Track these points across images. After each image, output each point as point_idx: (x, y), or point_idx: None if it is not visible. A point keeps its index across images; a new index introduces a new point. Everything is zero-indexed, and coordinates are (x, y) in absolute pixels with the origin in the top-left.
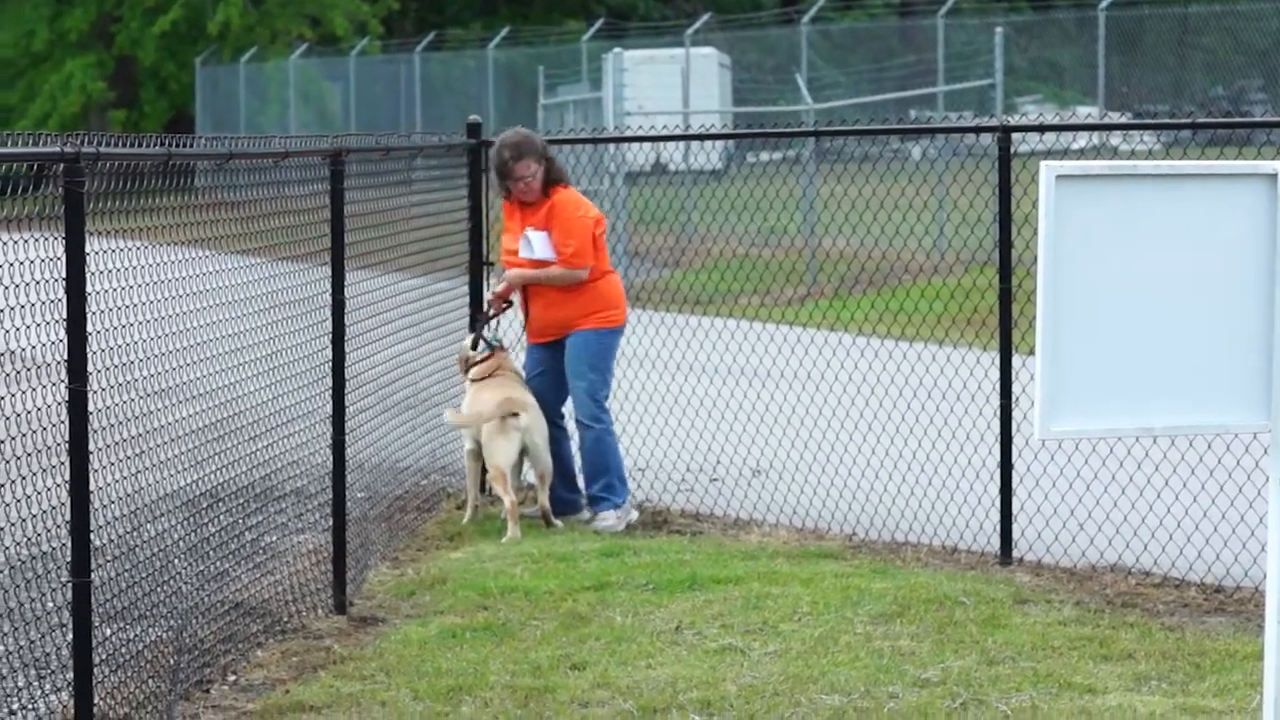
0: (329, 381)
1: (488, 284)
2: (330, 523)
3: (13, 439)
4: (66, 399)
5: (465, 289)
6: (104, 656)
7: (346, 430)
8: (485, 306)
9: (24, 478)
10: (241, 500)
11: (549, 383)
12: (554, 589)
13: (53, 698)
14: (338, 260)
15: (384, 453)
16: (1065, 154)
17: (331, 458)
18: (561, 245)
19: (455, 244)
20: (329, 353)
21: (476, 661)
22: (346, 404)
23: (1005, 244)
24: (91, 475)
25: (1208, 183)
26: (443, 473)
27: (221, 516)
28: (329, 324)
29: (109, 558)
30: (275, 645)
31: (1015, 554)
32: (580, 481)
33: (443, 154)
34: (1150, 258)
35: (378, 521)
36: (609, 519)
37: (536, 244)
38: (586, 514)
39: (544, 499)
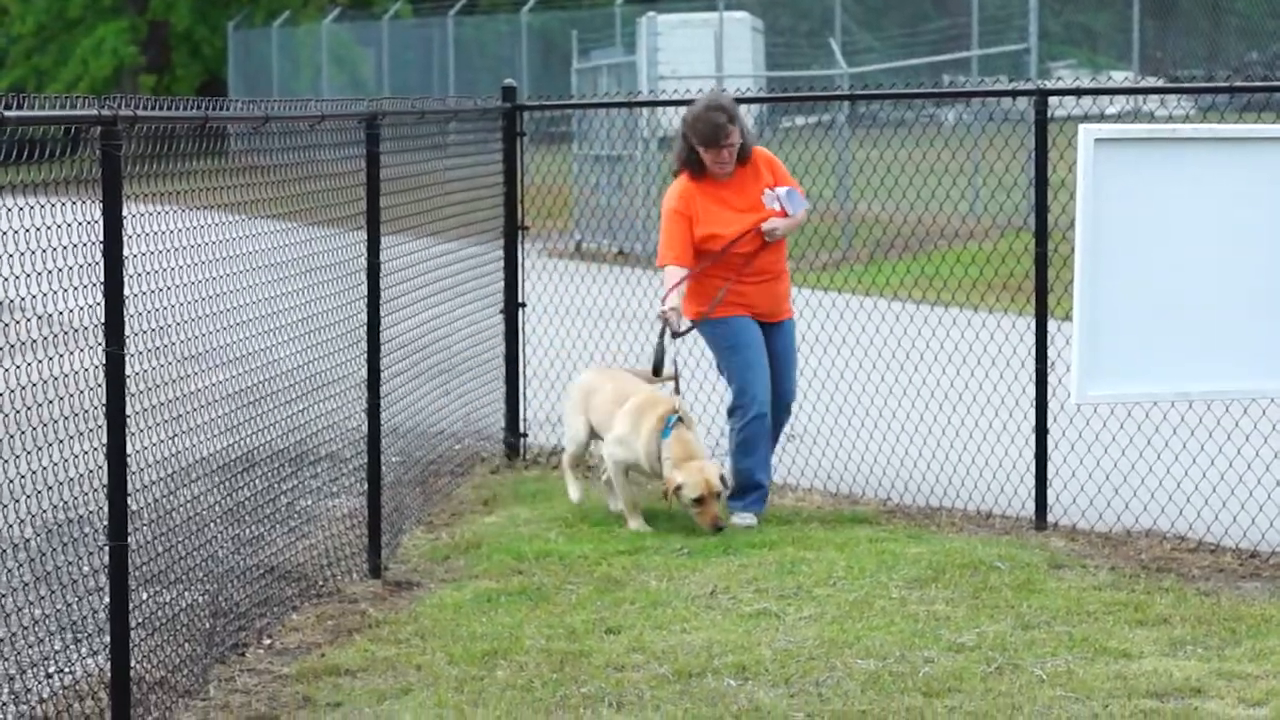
0: (364, 346)
1: (522, 249)
2: (365, 487)
3: (50, 402)
4: (104, 362)
5: (500, 253)
6: (140, 620)
7: (381, 395)
8: (672, 322)
9: (61, 441)
10: (277, 464)
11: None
12: (588, 553)
13: (89, 661)
14: (373, 224)
15: (418, 417)
16: (1100, 119)
17: (366, 422)
18: (802, 194)
19: (490, 209)
20: (364, 317)
21: (511, 625)
22: (381, 368)
23: (1041, 208)
24: (128, 439)
25: (1247, 146)
26: (476, 437)
27: (257, 481)
28: (364, 288)
29: (145, 521)
30: (310, 609)
31: (1050, 519)
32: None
33: (477, 118)
34: (1188, 222)
35: (412, 486)
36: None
37: (795, 199)
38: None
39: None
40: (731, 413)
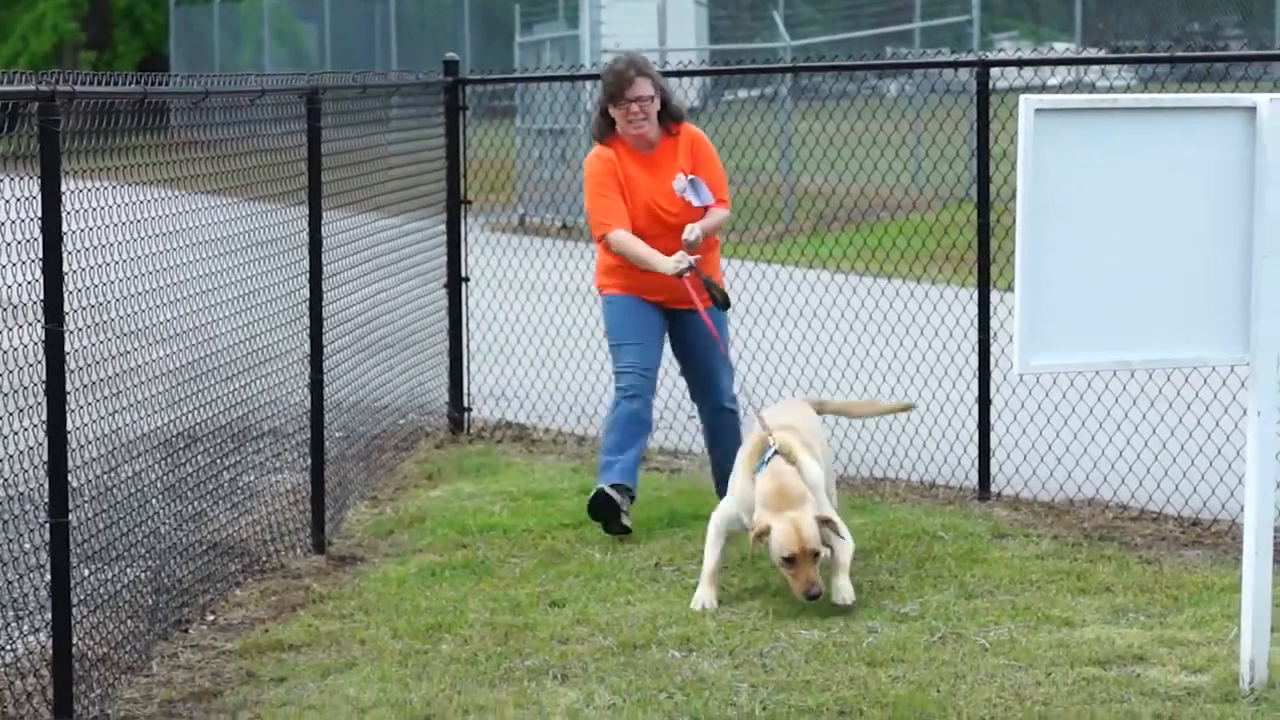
0: (306, 321)
1: (465, 223)
2: (308, 462)
3: None
4: (43, 339)
5: (443, 228)
6: (82, 597)
7: (324, 370)
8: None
9: (0, 418)
10: (219, 440)
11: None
12: (533, 527)
13: (31, 638)
14: (315, 199)
15: (362, 392)
16: (1042, 90)
17: (309, 397)
18: (721, 185)
19: (432, 183)
20: (306, 292)
21: (455, 599)
22: (324, 343)
23: (983, 179)
24: (68, 415)
25: (1186, 116)
26: (420, 412)
27: (199, 456)
28: (306, 263)
29: (86, 498)
30: (254, 585)
31: (993, 489)
32: (718, 460)
33: (419, 92)
34: (1128, 191)
35: (356, 461)
36: None
37: (701, 187)
38: None
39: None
40: (616, 394)
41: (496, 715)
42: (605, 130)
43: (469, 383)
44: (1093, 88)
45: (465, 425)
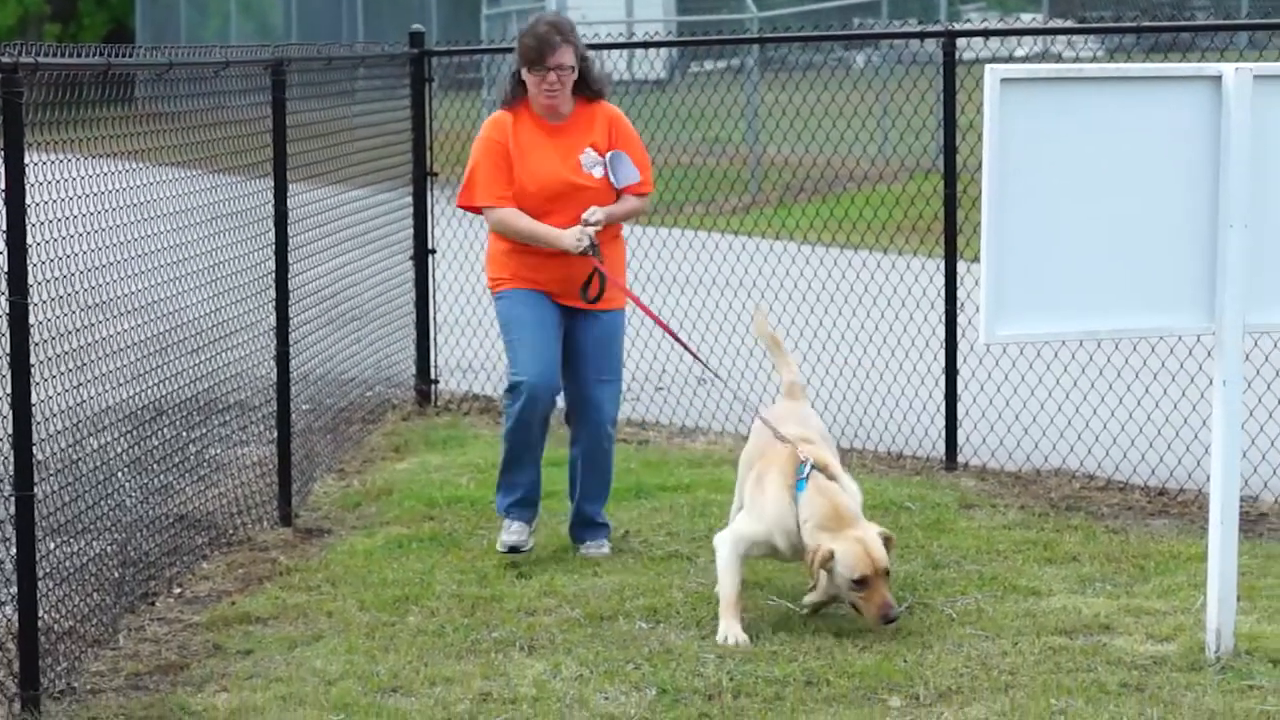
0: (272, 294)
1: (431, 195)
2: (275, 435)
3: None
4: (7, 312)
5: (409, 200)
6: (48, 570)
7: (290, 342)
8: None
9: None
10: (185, 413)
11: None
12: None
13: None
14: (280, 172)
15: (328, 365)
16: (1009, 61)
17: (275, 370)
18: (644, 166)
19: (398, 155)
20: (272, 265)
21: (423, 571)
22: (290, 316)
23: (950, 150)
24: (33, 388)
25: (1152, 86)
26: (387, 384)
27: (165, 430)
28: (272, 236)
29: (52, 471)
30: (221, 558)
31: (960, 459)
32: (577, 501)
33: (385, 64)
34: (1094, 161)
35: (322, 433)
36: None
37: (625, 165)
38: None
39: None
40: (504, 397)
41: (463, 687)
42: (516, 94)
43: (436, 355)
44: (1059, 58)
45: (432, 398)
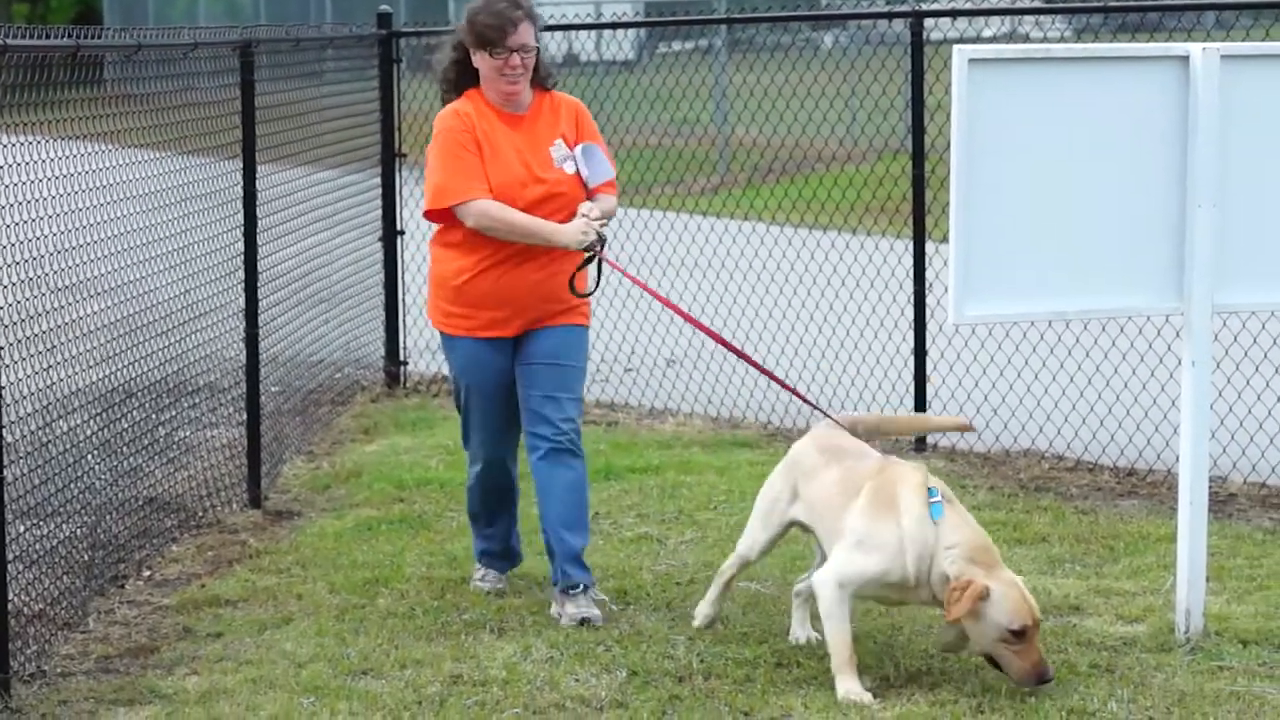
0: (241, 275)
1: (400, 176)
2: (244, 417)
3: None
4: None
5: (378, 181)
6: (18, 553)
7: (259, 324)
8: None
9: None
10: (154, 395)
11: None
12: None
13: None
14: (249, 153)
15: (297, 346)
16: (976, 41)
17: (245, 352)
18: (611, 163)
19: (367, 136)
20: (241, 246)
21: (393, 554)
22: (259, 298)
23: (918, 130)
24: (2, 371)
25: (1120, 66)
26: (356, 366)
27: (134, 412)
28: (241, 217)
29: (21, 454)
30: (190, 540)
31: (929, 440)
32: (543, 540)
33: (353, 45)
34: (1063, 142)
35: (292, 415)
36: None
37: (598, 158)
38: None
39: None
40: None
41: (434, 669)
42: (462, 84)
43: (405, 337)
44: (1027, 38)
45: (401, 379)
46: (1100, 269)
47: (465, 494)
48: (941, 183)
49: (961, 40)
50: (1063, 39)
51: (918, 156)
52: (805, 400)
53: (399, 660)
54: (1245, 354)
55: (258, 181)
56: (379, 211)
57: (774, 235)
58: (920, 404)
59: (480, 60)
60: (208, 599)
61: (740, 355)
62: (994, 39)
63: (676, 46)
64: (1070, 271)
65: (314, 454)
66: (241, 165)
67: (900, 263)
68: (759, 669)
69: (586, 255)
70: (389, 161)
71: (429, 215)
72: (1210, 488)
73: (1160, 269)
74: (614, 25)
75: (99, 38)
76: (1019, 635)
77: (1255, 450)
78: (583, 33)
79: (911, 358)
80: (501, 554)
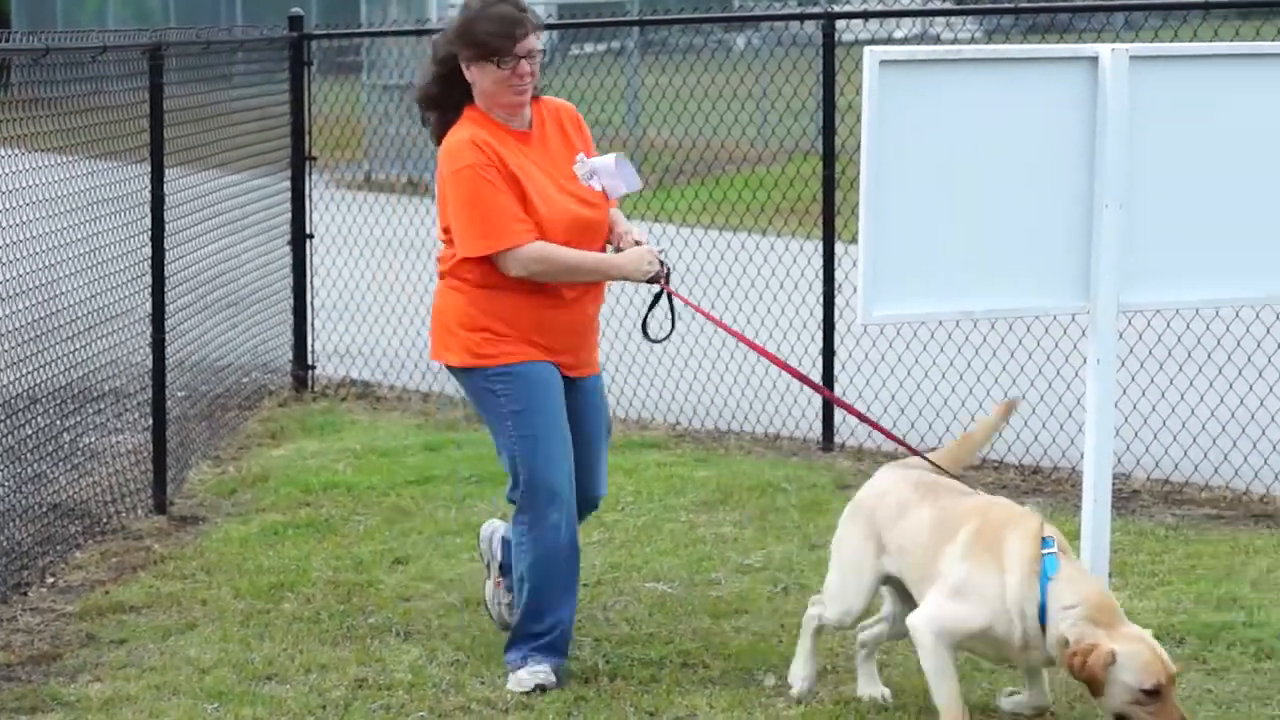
0: (148, 279)
1: (309, 180)
2: (150, 422)
3: None
4: None
5: (287, 185)
6: None
7: (166, 329)
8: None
9: None
10: (59, 401)
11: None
12: (376, 484)
13: None
14: (157, 157)
15: (205, 351)
16: (888, 42)
17: (151, 356)
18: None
19: (277, 140)
20: (148, 250)
21: (299, 558)
22: (166, 302)
23: (829, 132)
24: None
25: (1029, 67)
26: (263, 370)
27: (39, 417)
28: (148, 221)
29: None
30: (94, 546)
31: (837, 440)
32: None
33: (264, 48)
34: (972, 143)
35: (198, 420)
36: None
37: (629, 170)
38: None
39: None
40: (519, 510)
41: (339, 673)
42: (450, 101)
43: (313, 340)
44: (938, 40)
45: (309, 383)
46: (1008, 269)
47: (531, 570)
48: (851, 184)
49: (873, 42)
50: (973, 40)
51: (828, 157)
52: (894, 438)
53: (304, 665)
54: (1150, 352)
55: (166, 185)
56: (288, 215)
57: (685, 236)
58: (828, 404)
59: (480, 73)
60: (112, 605)
61: (841, 404)
62: (905, 40)
63: (589, 48)
64: (978, 272)
65: (220, 459)
66: (150, 169)
67: (810, 263)
68: (665, 669)
69: (655, 291)
70: (299, 165)
71: (467, 260)
72: (1114, 485)
73: (1067, 269)
74: None
75: (6, 41)
76: (1153, 695)
77: (1158, 447)
78: None
79: (820, 358)
80: (564, 641)
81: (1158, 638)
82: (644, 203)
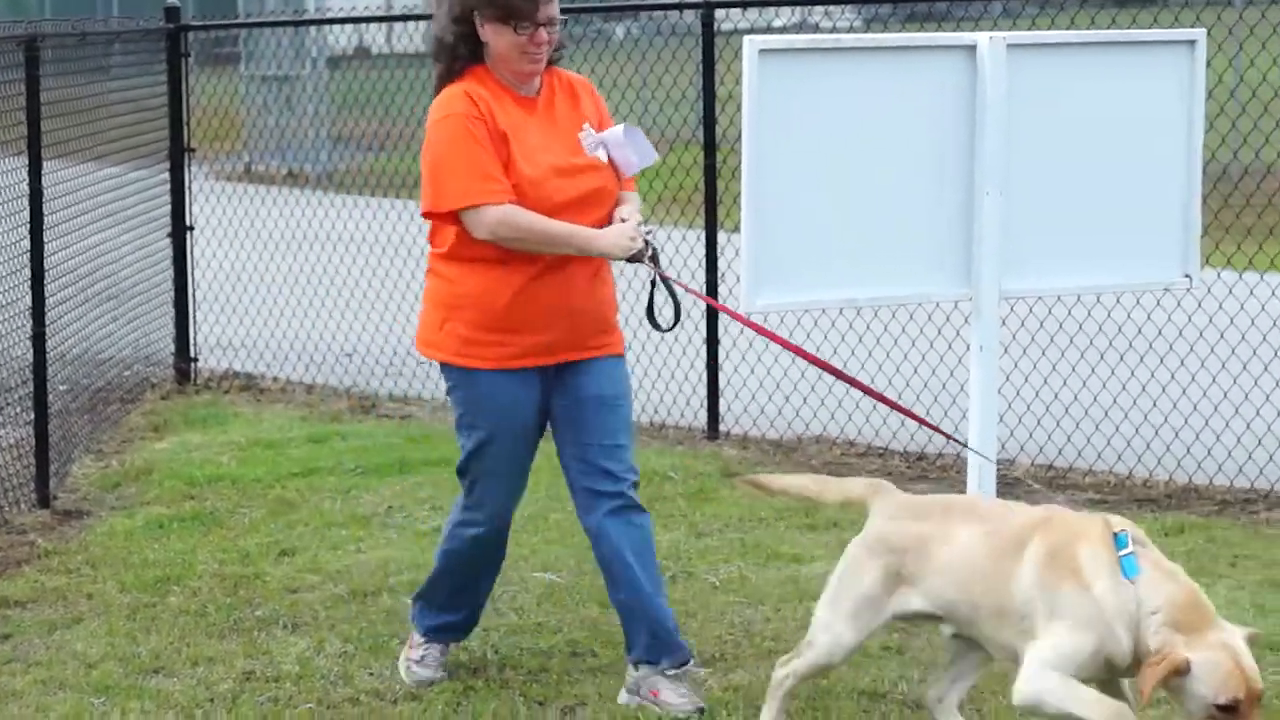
0: (27, 273)
1: (189, 172)
2: (31, 416)
3: None
4: None
5: (166, 177)
6: None
7: (46, 322)
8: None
9: None
10: None
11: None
12: (262, 476)
13: None
14: (34, 149)
15: (86, 344)
16: (767, 32)
17: (31, 350)
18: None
19: (156, 132)
20: (27, 244)
21: (184, 551)
22: (46, 295)
23: (709, 121)
24: None
25: (909, 55)
26: (146, 363)
27: None
28: (26, 214)
29: None
30: None
31: (722, 428)
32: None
33: (141, 39)
34: (853, 131)
35: (80, 414)
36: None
37: (642, 142)
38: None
39: None
40: (462, 494)
41: (226, 666)
42: (465, 61)
43: (195, 333)
44: (817, 28)
45: (192, 376)
46: (891, 257)
47: (442, 559)
48: (733, 173)
49: (752, 31)
50: (852, 29)
51: (709, 147)
52: (955, 440)
53: (191, 658)
54: (1032, 338)
55: (44, 178)
56: (168, 207)
57: None
58: (713, 392)
59: (495, 34)
60: None
61: (898, 407)
62: (784, 29)
63: None
64: (861, 259)
65: (103, 452)
66: (27, 162)
67: (693, 252)
68: (554, 659)
69: (652, 279)
70: (178, 157)
71: (428, 216)
72: (998, 470)
73: (949, 256)
74: (406, 18)
75: None
76: (1229, 710)
77: (1041, 433)
78: (374, 25)
79: (704, 347)
80: (465, 625)
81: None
82: None
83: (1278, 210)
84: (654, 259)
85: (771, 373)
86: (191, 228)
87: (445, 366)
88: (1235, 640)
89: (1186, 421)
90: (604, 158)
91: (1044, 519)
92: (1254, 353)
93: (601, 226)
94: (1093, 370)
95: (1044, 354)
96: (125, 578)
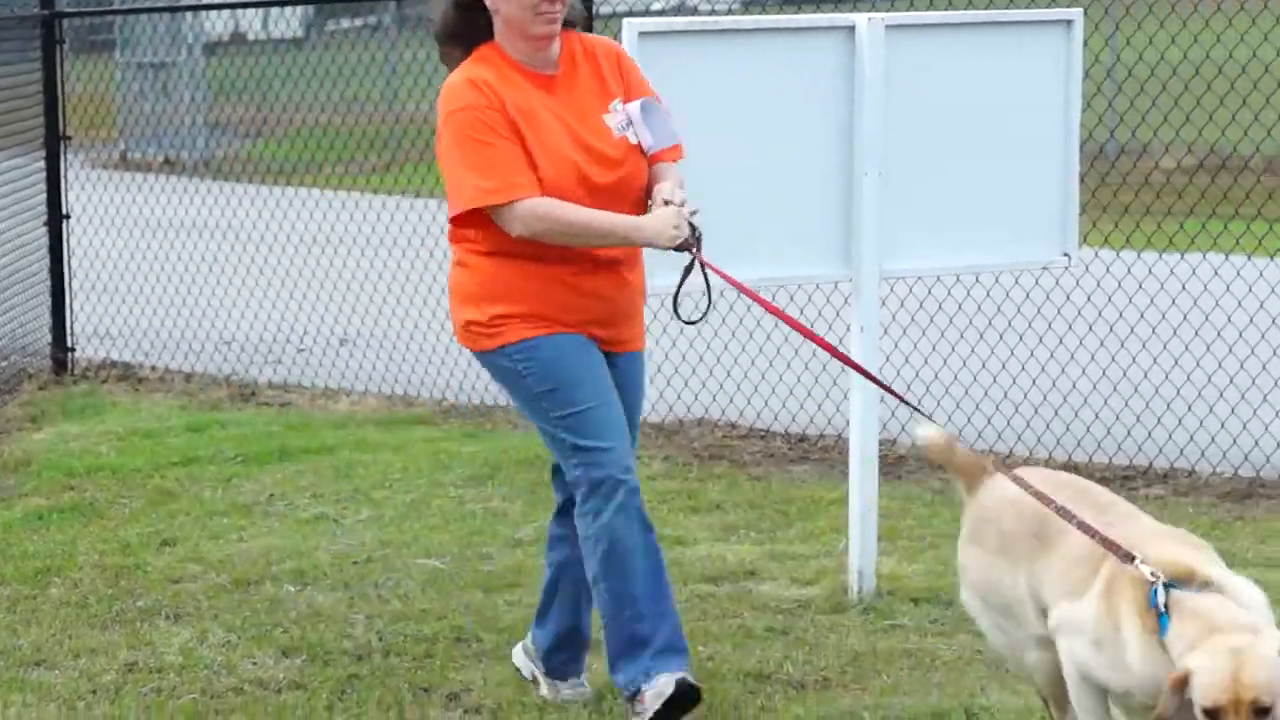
0: None
1: (65, 160)
2: None
3: None
4: None
5: (42, 165)
6: None
7: None
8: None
9: None
10: None
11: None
12: (141, 466)
13: None
14: None
15: None
16: (646, 14)
17: None
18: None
19: (30, 119)
20: None
21: (64, 542)
22: None
23: None
24: None
25: (788, 37)
26: (22, 353)
27: None
28: None
29: None
30: None
31: None
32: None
33: (15, 26)
34: (734, 112)
35: None
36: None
37: (660, 118)
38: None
39: None
40: (583, 500)
41: (108, 657)
42: (470, 36)
43: (72, 322)
44: (695, 11)
45: (69, 365)
46: (771, 238)
47: (603, 564)
48: None
49: (631, 14)
50: (730, 11)
51: None
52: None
53: (73, 650)
54: (912, 318)
55: None
56: (44, 195)
57: (445, 211)
58: None
59: (504, 3)
60: None
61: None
62: (663, 12)
63: (345, 24)
64: (742, 241)
65: None
66: None
67: None
68: (438, 645)
69: (687, 263)
70: (53, 144)
71: (456, 221)
72: (880, 451)
73: (830, 237)
74: (282, 3)
75: None
76: (1213, 715)
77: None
78: (250, 10)
79: None
80: (678, 636)
81: (925, 601)
82: (404, 178)
83: (1154, 189)
84: (699, 245)
85: (653, 356)
86: (68, 216)
87: (503, 352)
88: (1251, 647)
89: (1065, 399)
90: (633, 139)
91: (1126, 539)
92: (1131, 330)
93: (638, 214)
94: (973, 350)
95: (924, 334)
96: (4, 570)
